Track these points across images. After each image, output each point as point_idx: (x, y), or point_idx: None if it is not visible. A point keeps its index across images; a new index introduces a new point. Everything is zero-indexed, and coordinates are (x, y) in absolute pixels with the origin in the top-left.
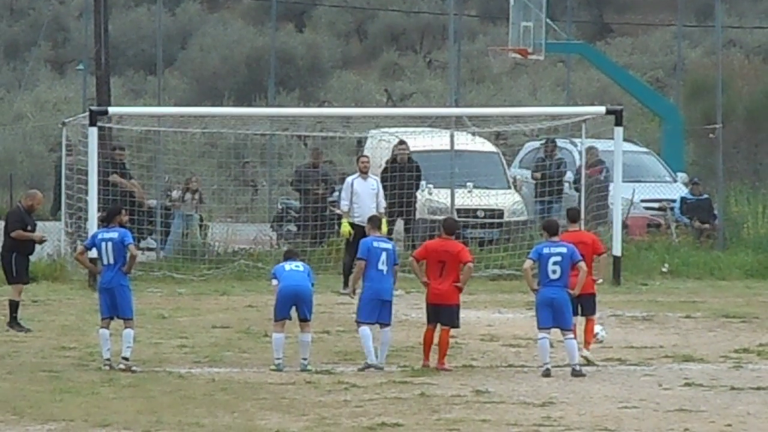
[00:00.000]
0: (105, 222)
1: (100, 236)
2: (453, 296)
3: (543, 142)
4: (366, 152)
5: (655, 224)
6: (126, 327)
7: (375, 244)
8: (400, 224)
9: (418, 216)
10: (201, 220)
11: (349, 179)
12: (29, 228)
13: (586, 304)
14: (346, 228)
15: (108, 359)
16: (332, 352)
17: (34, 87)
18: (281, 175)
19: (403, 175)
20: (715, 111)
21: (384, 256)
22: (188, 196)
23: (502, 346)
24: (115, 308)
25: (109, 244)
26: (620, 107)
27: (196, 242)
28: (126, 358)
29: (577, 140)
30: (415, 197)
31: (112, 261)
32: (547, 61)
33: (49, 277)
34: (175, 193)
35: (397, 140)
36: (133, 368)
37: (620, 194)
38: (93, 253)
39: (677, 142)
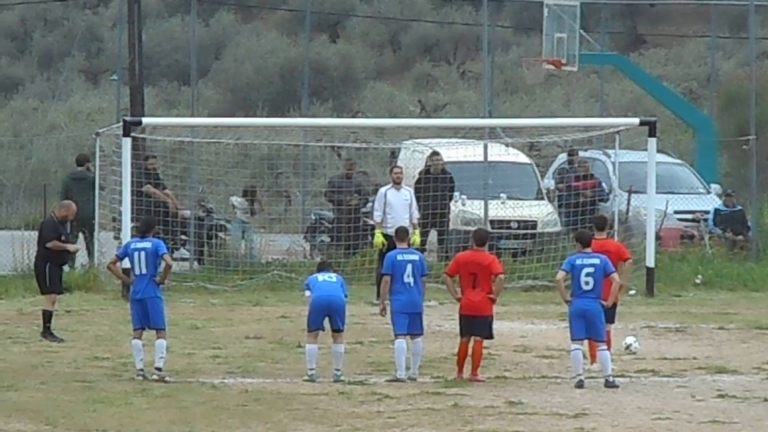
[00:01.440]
0: (142, 233)
1: (132, 246)
2: (486, 307)
3: (568, 152)
4: (399, 163)
5: (688, 236)
6: (158, 337)
7: (399, 257)
8: (433, 235)
9: (451, 227)
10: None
11: (382, 190)
12: (63, 238)
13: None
14: (379, 239)
15: (141, 369)
16: (365, 363)
17: (68, 97)
18: (315, 186)
19: (437, 186)
20: (749, 122)
21: (410, 268)
22: (254, 204)
23: (535, 357)
24: (147, 319)
25: (142, 254)
26: (654, 118)
27: (250, 252)
28: (159, 369)
29: (610, 151)
30: (449, 208)
31: (144, 271)
32: (581, 72)
33: (82, 287)
34: (235, 199)
35: (430, 151)
36: (167, 378)
37: (654, 205)
38: (126, 263)
39: (711, 153)
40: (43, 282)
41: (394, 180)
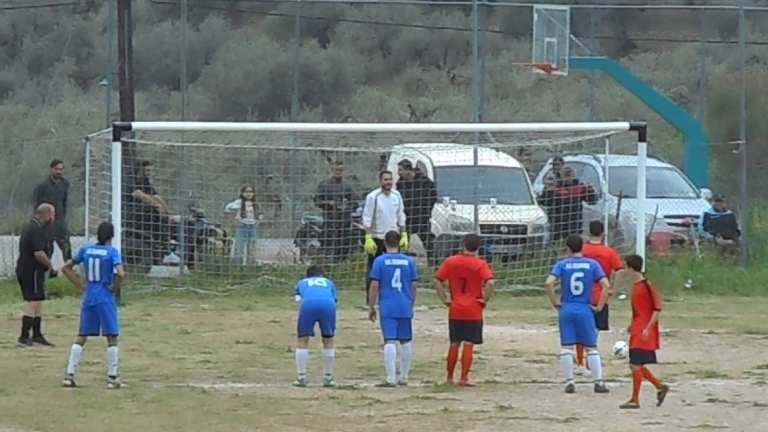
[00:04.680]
0: (100, 240)
1: (88, 251)
2: (476, 312)
3: (552, 160)
4: (389, 168)
5: (678, 240)
6: (110, 345)
7: (387, 262)
8: (414, 239)
9: (441, 231)
10: (224, 235)
11: (372, 195)
12: (48, 246)
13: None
14: (370, 243)
15: (71, 374)
16: (355, 368)
17: (58, 102)
18: (305, 191)
19: (418, 191)
20: (739, 127)
21: (398, 273)
22: (248, 206)
23: (525, 361)
24: (98, 325)
25: (97, 260)
26: (644, 123)
27: (252, 256)
28: (113, 377)
29: (600, 156)
30: (430, 213)
31: (98, 278)
32: (571, 76)
33: (72, 292)
34: (234, 204)
35: (402, 159)
36: (121, 385)
37: (644, 210)
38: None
39: (701, 157)
40: (29, 288)
41: (384, 186)
